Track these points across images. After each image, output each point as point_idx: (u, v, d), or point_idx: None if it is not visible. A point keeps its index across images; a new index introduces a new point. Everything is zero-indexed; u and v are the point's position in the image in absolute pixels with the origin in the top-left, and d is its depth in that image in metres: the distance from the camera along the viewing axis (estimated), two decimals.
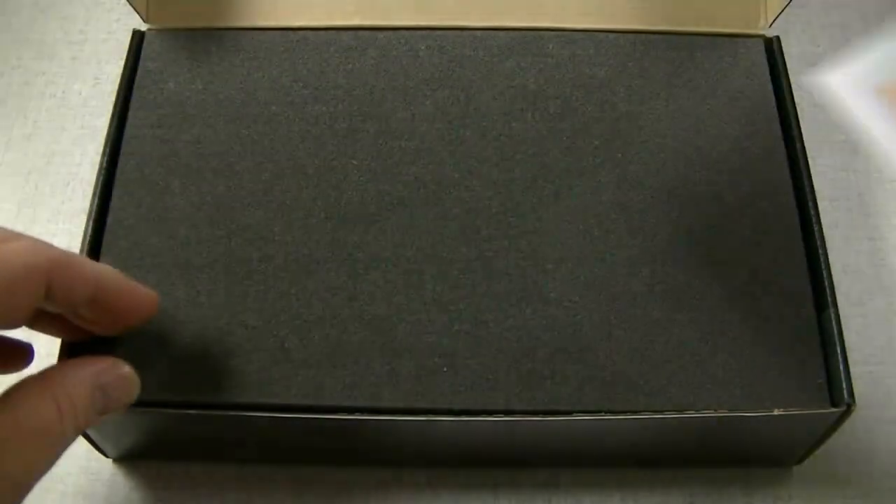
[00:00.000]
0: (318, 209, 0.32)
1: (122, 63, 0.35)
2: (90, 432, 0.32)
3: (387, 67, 0.35)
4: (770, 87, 0.35)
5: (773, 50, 0.36)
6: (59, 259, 0.24)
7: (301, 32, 0.36)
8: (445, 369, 0.29)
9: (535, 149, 0.34)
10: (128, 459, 0.35)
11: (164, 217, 0.32)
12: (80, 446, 0.33)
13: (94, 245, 0.31)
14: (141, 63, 0.35)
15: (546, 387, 0.29)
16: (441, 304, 0.31)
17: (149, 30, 0.36)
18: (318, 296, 0.31)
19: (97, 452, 0.34)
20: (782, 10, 0.36)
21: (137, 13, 0.36)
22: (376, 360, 0.30)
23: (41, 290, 0.24)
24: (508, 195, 0.33)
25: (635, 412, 0.29)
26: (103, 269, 0.26)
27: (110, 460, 0.35)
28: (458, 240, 0.32)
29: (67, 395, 0.24)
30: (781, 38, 0.37)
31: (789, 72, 0.35)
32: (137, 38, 0.36)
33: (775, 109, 0.35)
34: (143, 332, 0.29)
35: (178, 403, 0.29)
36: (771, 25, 0.37)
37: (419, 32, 0.36)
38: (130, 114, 0.34)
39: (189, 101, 0.34)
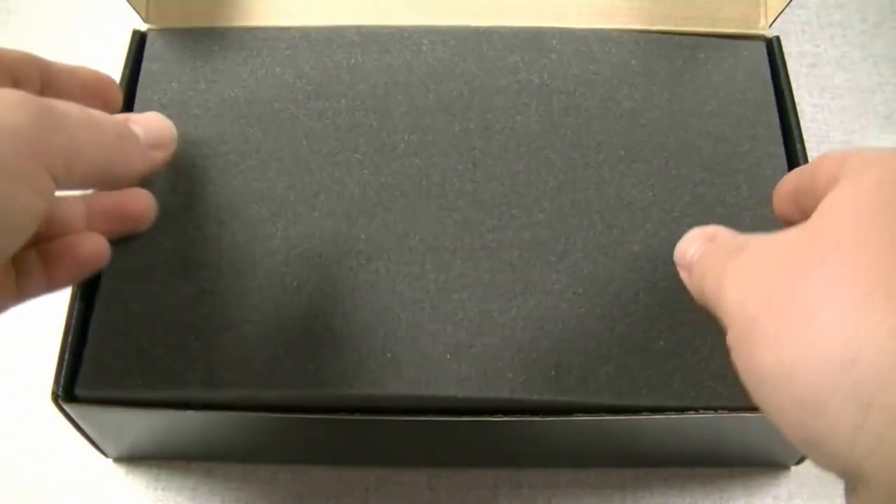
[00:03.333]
0: (321, 203, 0.32)
1: (122, 63, 0.35)
2: (90, 432, 0.32)
3: (389, 62, 0.35)
4: (770, 86, 0.35)
5: (773, 50, 0.36)
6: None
7: (303, 29, 0.36)
8: (449, 356, 0.29)
9: (538, 143, 0.33)
10: (128, 459, 0.35)
11: (168, 215, 0.32)
12: (80, 446, 0.33)
13: None
14: (144, 64, 0.35)
15: (549, 377, 0.29)
16: (444, 292, 0.30)
17: (149, 30, 0.36)
18: (320, 290, 0.30)
19: (97, 452, 0.34)
20: (782, 10, 0.36)
21: (137, 13, 0.36)
22: (378, 349, 0.29)
23: None
24: (512, 188, 0.32)
25: (636, 413, 0.29)
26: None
27: (110, 460, 0.35)
28: (462, 230, 0.32)
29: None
30: (781, 38, 0.37)
31: (789, 72, 0.36)
32: (137, 38, 0.36)
33: (775, 109, 0.35)
34: (146, 327, 0.29)
35: (178, 403, 0.29)
36: (771, 25, 0.37)
37: (422, 28, 0.36)
38: None
39: (192, 101, 0.34)
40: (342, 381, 0.29)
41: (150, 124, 0.28)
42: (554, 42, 0.36)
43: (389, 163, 0.33)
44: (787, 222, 0.25)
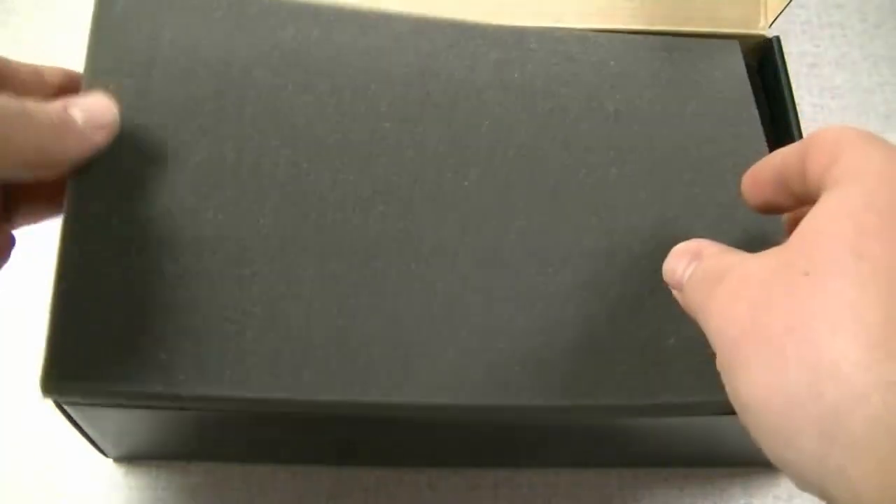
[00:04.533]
0: (311, 186, 0.30)
1: None
2: (90, 432, 0.32)
3: (367, 44, 0.33)
4: (747, 84, 0.35)
5: (773, 50, 0.36)
6: None
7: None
8: (461, 362, 0.28)
9: (529, 144, 0.33)
10: (128, 459, 0.35)
11: (154, 201, 0.29)
12: (80, 446, 0.33)
13: None
14: (102, 20, 0.33)
15: (565, 383, 0.28)
16: (452, 296, 0.29)
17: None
18: (317, 283, 0.29)
19: (97, 452, 0.34)
20: (782, 10, 0.36)
21: None
22: (388, 351, 0.28)
23: None
24: (507, 190, 0.32)
25: (636, 413, 0.29)
26: None
27: (110, 460, 0.35)
28: (461, 232, 0.31)
29: None
30: (781, 38, 0.37)
31: (789, 72, 0.35)
32: None
33: (754, 106, 0.34)
34: (141, 326, 0.28)
35: (179, 401, 0.28)
36: (771, 25, 0.37)
37: (401, 15, 0.34)
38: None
39: (158, 61, 0.31)
40: (350, 388, 0.27)
41: (91, 106, 0.28)
42: (532, 42, 0.35)
43: (382, 153, 0.31)
44: (764, 209, 0.24)
